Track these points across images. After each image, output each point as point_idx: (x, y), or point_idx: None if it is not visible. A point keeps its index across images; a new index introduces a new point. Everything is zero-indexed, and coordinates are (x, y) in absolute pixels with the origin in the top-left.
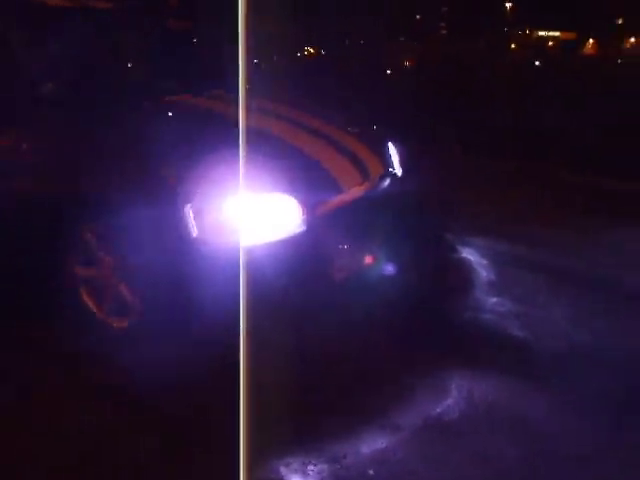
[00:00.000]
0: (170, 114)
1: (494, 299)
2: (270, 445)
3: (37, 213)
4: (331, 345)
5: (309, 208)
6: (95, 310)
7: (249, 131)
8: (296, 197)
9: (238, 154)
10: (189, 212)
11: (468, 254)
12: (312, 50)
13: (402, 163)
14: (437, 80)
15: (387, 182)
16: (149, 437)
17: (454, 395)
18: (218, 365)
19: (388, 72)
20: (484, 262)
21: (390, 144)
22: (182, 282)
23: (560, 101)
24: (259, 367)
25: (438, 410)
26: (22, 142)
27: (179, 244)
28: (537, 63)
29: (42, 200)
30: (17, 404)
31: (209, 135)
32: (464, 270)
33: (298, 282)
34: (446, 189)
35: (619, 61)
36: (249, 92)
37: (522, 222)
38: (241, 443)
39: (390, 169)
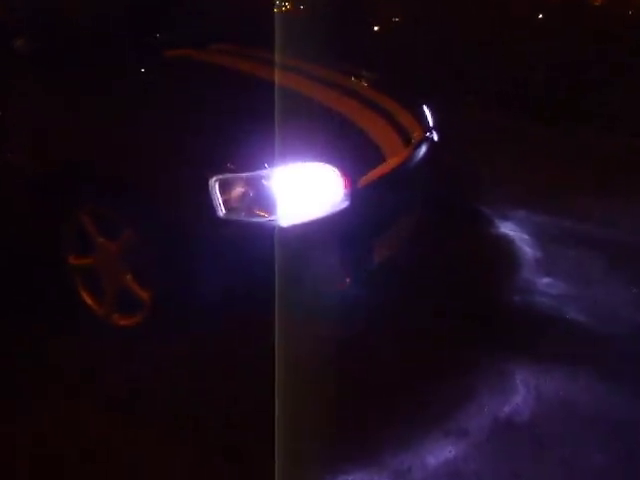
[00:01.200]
0: (181, 70)
1: (545, 280)
2: (317, 459)
3: (21, 190)
4: (374, 338)
5: (352, 179)
6: (95, 307)
7: (280, 92)
8: (338, 167)
9: (272, 119)
10: (214, 186)
11: (508, 229)
12: (289, 5)
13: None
14: (439, 36)
15: (426, 148)
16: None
17: (521, 393)
18: (248, 371)
19: (375, 29)
20: (527, 237)
21: (425, 105)
22: (205, 271)
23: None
24: (296, 369)
25: (506, 411)
26: None
27: (202, 225)
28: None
29: (27, 174)
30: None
31: (233, 96)
32: (506, 247)
33: (339, 267)
34: (477, 154)
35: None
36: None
37: (564, 190)
38: (278, 456)
39: (428, 133)
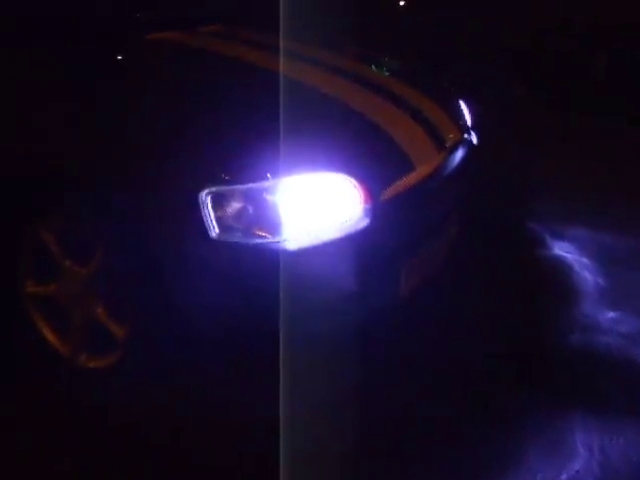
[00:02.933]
0: (164, 58)
1: (610, 314)
2: None
3: None
4: (400, 385)
5: (373, 192)
6: (57, 345)
7: (285, 85)
8: (355, 177)
9: (275, 118)
10: (207, 200)
11: (564, 250)
12: None
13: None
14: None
15: (463, 152)
16: None
17: (582, 457)
18: (249, 433)
19: (401, 4)
20: (586, 261)
21: (461, 101)
22: (193, 303)
23: None
24: (307, 427)
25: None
26: None
27: (191, 247)
28: None
29: None
30: None
31: (229, 90)
32: (561, 272)
33: (358, 298)
34: (523, 158)
35: None
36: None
37: (634, 205)
38: None
39: (466, 134)
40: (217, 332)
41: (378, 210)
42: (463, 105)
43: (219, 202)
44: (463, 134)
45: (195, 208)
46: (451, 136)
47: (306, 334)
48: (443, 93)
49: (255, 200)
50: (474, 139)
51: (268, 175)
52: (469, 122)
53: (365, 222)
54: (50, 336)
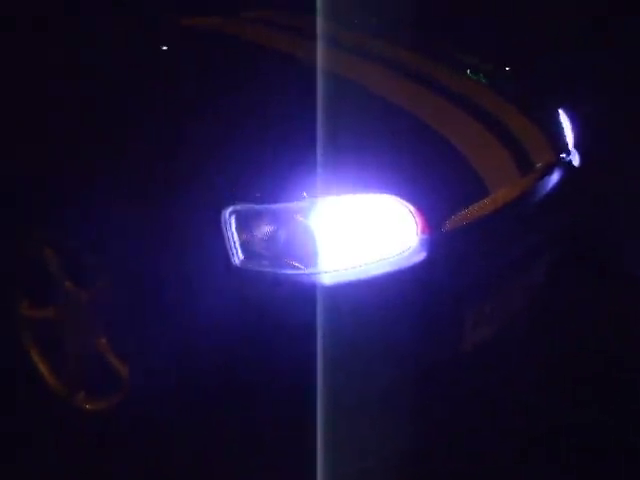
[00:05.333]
0: (197, 49)
1: None
2: None
3: None
4: (460, 463)
5: (433, 220)
6: (51, 379)
7: (332, 85)
8: (412, 201)
9: (313, 127)
10: (230, 220)
11: None
12: None
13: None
14: None
15: (559, 176)
16: None
17: None
18: None
19: None
20: None
21: (561, 111)
22: (210, 342)
23: None
24: None
25: None
26: None
27: (210, 275)
28: None
29: None
30: None
31: (264, 91)
32: None
33: (411, 348)
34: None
35: None
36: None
37: None
38: None
39: (564, 154)
40: (235, 382)
41: (438, 242)
42: (563, 117)
43: (245, 223)
44: (558, 155)
45: (217, 229)
46: (543, 156)
47: (346, 389)
48: (536, 102)
49: (287, 223)
50: (575, 160)
51: (304, 194)
52: (570, 139)
53: (420, 256)
54: (43, 368)
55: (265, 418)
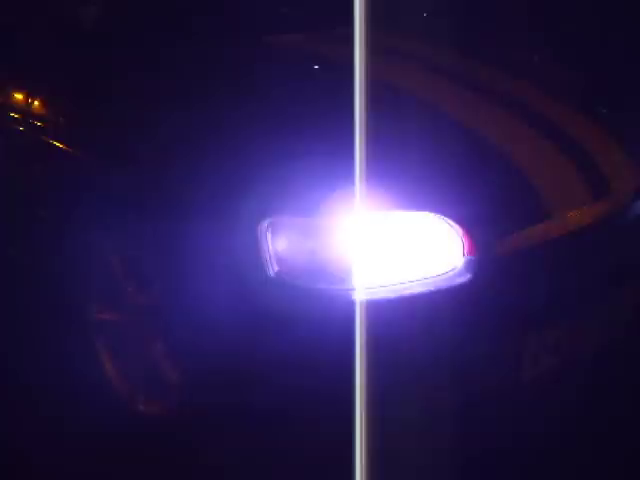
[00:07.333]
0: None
1: None
2: None
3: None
4: None
5: (483, 241)
6: (117, 381)
7: (374, 96)
8: (457, 220)
9: (353, 139)
10: (266, 234)
11: None
12: None
13: None
14: None
15: None
16: None
17: None
18: None
19: None
20: None
21: None
22: (249, 349)
23: None
24: None
25: None
26: None
27: (246, 285)
28: None
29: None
30: None
31: (303, 105)
32: None
33: (458, 378)
34: None
35: None
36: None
37: None
38: None
39: None
40: (267, 397)
41: (487, 265)
42: None
43: (281, 235)
44: None
45: (252, 240)
46: (622, 179)
47: (387, 414)
48: (620, 116)
49: (327, 236)
50: None
51: (342, 209)
52: None
53: (465, 278)
54: (111, 371)
55: (300, 434)
